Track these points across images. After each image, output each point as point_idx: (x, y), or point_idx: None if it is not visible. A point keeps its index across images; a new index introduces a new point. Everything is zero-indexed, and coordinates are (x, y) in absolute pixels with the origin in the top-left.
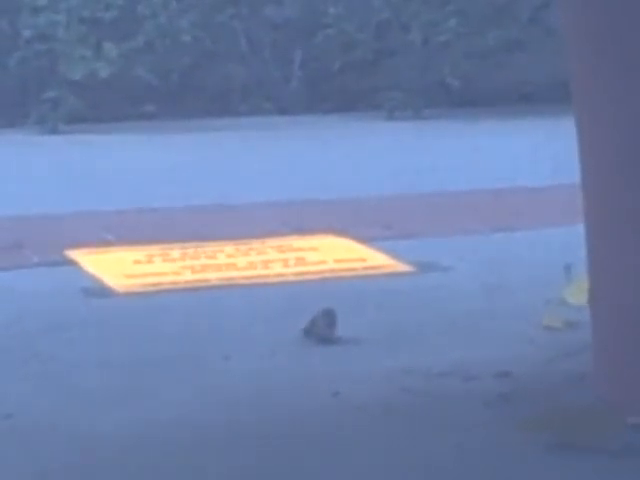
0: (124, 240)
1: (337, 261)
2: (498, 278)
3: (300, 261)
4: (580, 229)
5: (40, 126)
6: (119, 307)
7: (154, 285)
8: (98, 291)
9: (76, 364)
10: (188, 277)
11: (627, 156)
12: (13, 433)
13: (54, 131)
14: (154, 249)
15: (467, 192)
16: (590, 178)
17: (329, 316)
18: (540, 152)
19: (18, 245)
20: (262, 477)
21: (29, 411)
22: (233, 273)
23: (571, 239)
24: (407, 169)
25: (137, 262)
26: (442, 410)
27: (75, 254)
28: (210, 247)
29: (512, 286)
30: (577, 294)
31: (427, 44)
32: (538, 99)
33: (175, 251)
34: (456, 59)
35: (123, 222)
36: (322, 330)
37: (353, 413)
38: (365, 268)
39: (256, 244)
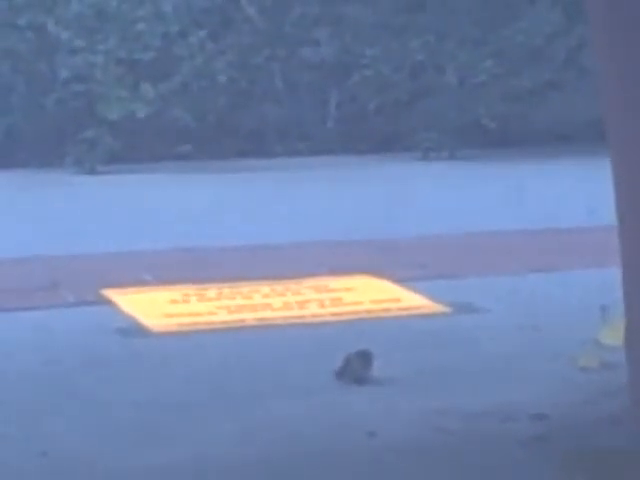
0: (160, 279)
1: (373, 302)
2: (534, 319)
3: (336, 301)
4: (616, 270)
5: (77, 166)
6: (155, 347)
7: (190, 325)
8: (134, 331)
9: (111, 403)
10: (224, 317)
11: None
12: (48, 471)
13: (91, 171)
14: (190, 289)
15: (503, 233)
16: (627, 219)
17: (365, 357)
18: (576, 193)
19: (55, 285)
20: None
21: (64, 449)
22: (269, 313)
23: (607, 280)
24: (442, 210)
25: (173, 302)
26: (478, 451)
27: (111, 293)
28: (246, 287)
29: (548, 327)
30: (613, 335)
31: (463, 85)
32: (574, 140)
33: (211, 291)
34: (492, 100)
35: (159, 261)
36: (357, 370)
37: (388, 453)
38: (400, 309)
39: (292, 284)
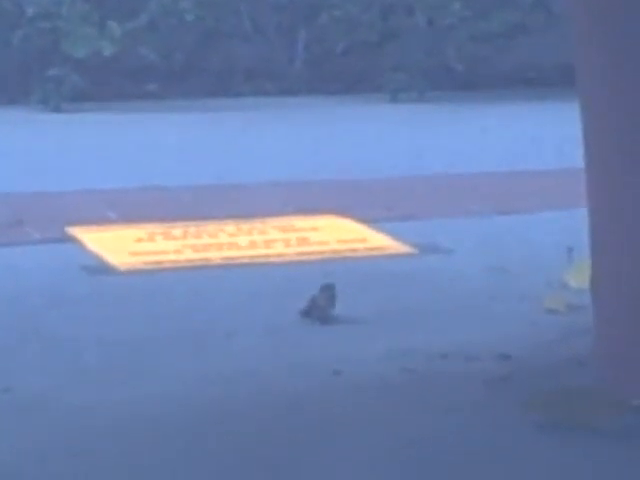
0: (126, 218)
1: (339, 242)
2: (500, 260)
3: (302, 241)
4: (583, 212)
5: (43, 104)
6: (120, 285)
7: (155, 263)
8: (99, 268)
9: (76, 341)
10: (190, 256)
11: (630, 140)
12: (11, 407)
13: (57, 109)
14: (156, 227)
15: (470, 175)
16: (593, 162)
17: (329, 291)
18: (543, 136)
19: (19, 222)
20: (260, 455)
21: (28, 386)
22: (234, 252)
23: (574, 222)
24: (410, 151)
25: (139, 240)
26: (442, 390)
27: (76, 231)
28: (212, 226)
29: (514, 268)
30: (579, 277)
31: (432, 27)
32: (542, 83)
33: (177, 229)
34: (460, 42)
35: (125, 200)
36: (322, 305)
37: (353, 392)
38: (366, 249)
39: (258, 224)
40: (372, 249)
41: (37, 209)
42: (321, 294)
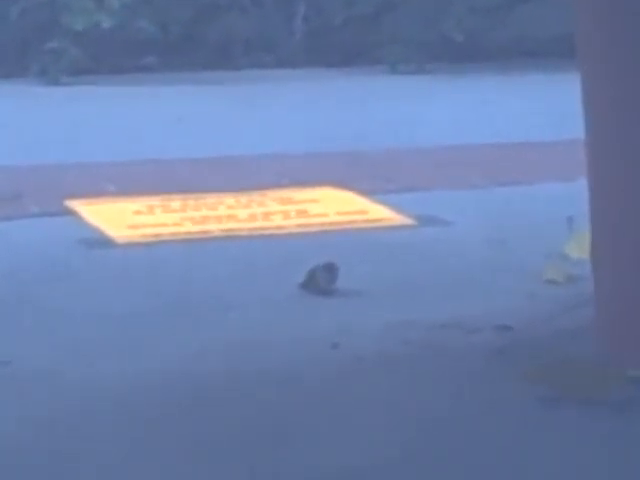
0: (125, 191)
1: (338, 214)
2: (500, 232)
3: (301, 213)
4: (583, 184)
5: (41, 77)
6: (119, 258)
7: (154, 236)
8: (98, 241)
9: (75, 314)
10: (189, 228)
11: (631, 110)
12: (11, 380)
13: (55, 82)
14: (155, 200)
15: (469, 146)
16: (593, 132)
17: (330, 270)
18: (543, 107)
19: (17, 195)
20: (260, 427)
21: (27, 359)
22: (233, 225)
23: (574, 194)
24: (409, 123)
25: (137, 213)
26: (442, 362)
27: (75, 204)
28: (211, 198)
29: (514, 240)
30: (578, 248)
31: None
32: (542, 54)
33: (176, 202)
34: (460, 13)
35: (124, 173)
36: (322, 284)
37: (352, 364)
38: (366, 221)
39: (257, 196)
40: (371, 221)
41: (35, 182)
42: (322, 272)
